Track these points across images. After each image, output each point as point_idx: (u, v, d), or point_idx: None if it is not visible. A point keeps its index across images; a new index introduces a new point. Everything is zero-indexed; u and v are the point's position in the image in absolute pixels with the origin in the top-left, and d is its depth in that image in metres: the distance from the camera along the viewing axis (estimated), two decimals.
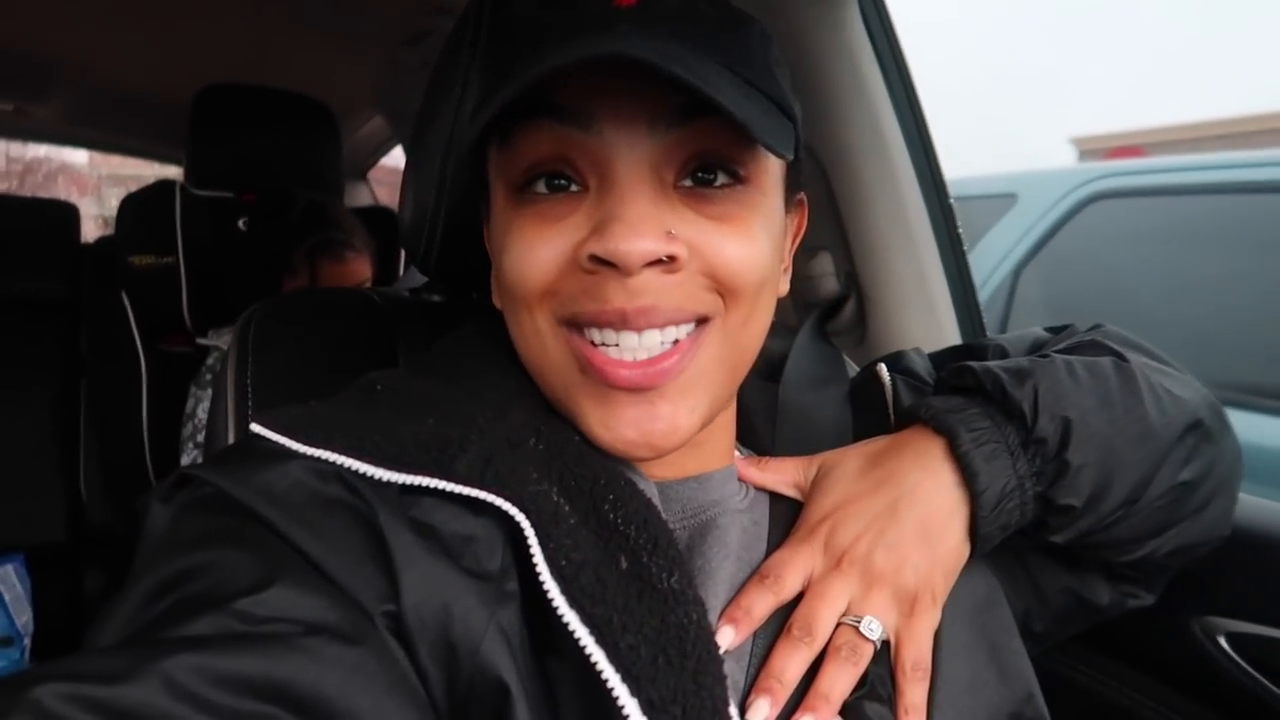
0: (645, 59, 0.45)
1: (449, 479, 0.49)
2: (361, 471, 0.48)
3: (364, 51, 1.95)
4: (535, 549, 0.46)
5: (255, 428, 0.51)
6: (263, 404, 0.70)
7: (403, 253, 1.83)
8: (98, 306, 1.67)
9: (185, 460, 1.55)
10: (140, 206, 1.70)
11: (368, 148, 2.50)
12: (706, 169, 0.53)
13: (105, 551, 1.81)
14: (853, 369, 0.83)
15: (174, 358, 1.69)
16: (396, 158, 2.58)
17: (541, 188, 0.53)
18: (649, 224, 0.50)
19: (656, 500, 0.56)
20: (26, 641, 1.47)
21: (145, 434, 1.59)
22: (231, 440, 0.68)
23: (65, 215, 1.89)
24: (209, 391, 1.59)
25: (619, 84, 0.51)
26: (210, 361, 1.62)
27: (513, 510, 0.48)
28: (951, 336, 1.09)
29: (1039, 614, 0.67)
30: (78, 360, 1.86)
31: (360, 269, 1.62)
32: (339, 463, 0.48)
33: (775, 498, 0.65)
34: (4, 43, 2.05)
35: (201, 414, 1.58)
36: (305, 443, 0.49)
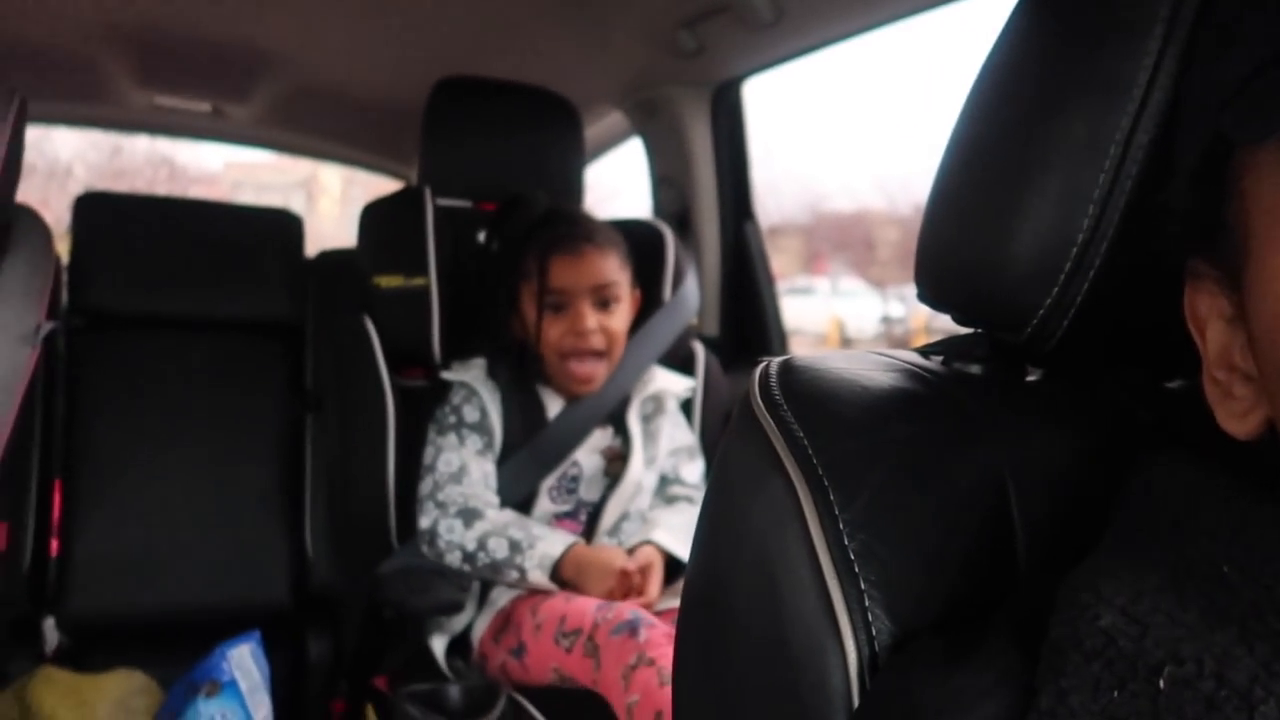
0: None
1: None
2: None
3: (616, 39, 1.69)
4: None
5: None
6: (879, 576, 0.41)
7: (669, 276, 1.55)
8: (334, 332, 1.44)
9: (424, 523, 1.29)
10: (386, 219, 1.46)
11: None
12: None
13: (330, 614, 1.59)
14: None
15: (412, 393, 1.44)
16: None
17: None
18: None
19: None
20: None
21: (391, 483, 1.34)
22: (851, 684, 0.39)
23: (290, 226, 1.68)
24: (450, 438, 1.34)
25: None
26: (455, 401, 1.37)
27: None
28: None
29: None
30: (303, 393, 1.65)
31: (601, 267, 1.34)
32: None
33: None
34: (203, 38, 1.88)
35: (443, 467, 1.32)
36: None
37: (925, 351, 0.61)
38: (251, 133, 2.48)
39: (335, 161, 2.72)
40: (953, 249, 0.55)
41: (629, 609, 1.13)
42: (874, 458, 0.45)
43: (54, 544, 1.54)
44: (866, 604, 0.40)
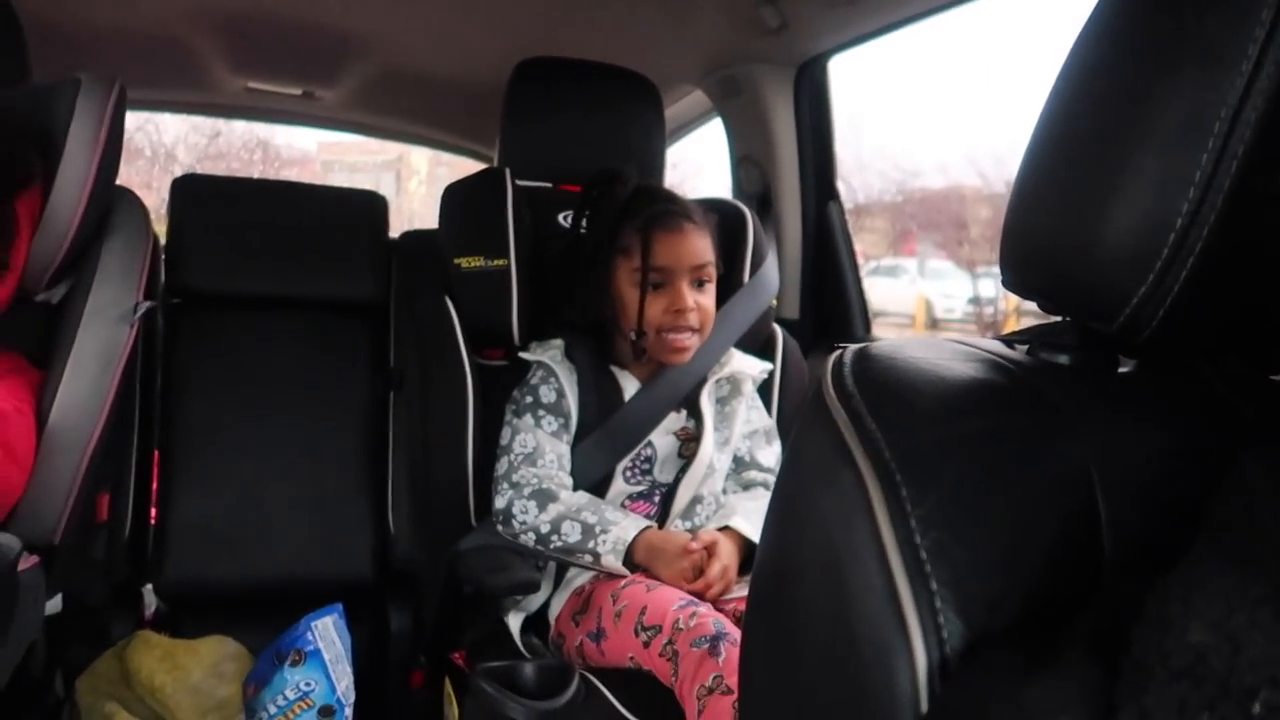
0: None
1: None
2: None
3: (697, 17, 1.67)
4: None
5: None
6: (951, 576, 0.39)
7: (749, 257, 1.53)
8: (416, 312, 1.46)
9: (499, 503, 1.31)
10: (466, 200, 1.47)
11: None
12: None
13: (411, 589, 1.62)
14: None
15: (492, 373, 1.46)
16: None
17: None
18: None
19: None
20: (348, 713, 1.27)
21: (470, 461, 1.35)
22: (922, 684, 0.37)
23: (375, 207, 1.71)
24: (527, 419, 1.35)
25: None
26: (533, 382, 1.38)
27: None
28: None
29: None
30: (387, 371, 1.68)
31: (700, 247, 1.34)
32: None
33: None
34: (294, 23, 1.92)
35: (518, 448, 1.33)
36: None
37: (1010, 340, 0.58)
38: (340, 116, 2.54)
39: (421, 144, 2.77)
40: (1041, 232, 0.52)
41: (712, 617, 1.11)
42: (949, 451, 0.43)
43: (153, 514, 1.61)
44: (937, 605, 0.39)
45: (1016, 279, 0.56)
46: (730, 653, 1.05)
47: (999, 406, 0.47)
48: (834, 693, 0.43)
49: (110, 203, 1.26)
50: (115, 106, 1.24)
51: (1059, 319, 0.56)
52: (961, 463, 0.43)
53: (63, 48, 1.72)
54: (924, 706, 0.38)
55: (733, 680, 1.01)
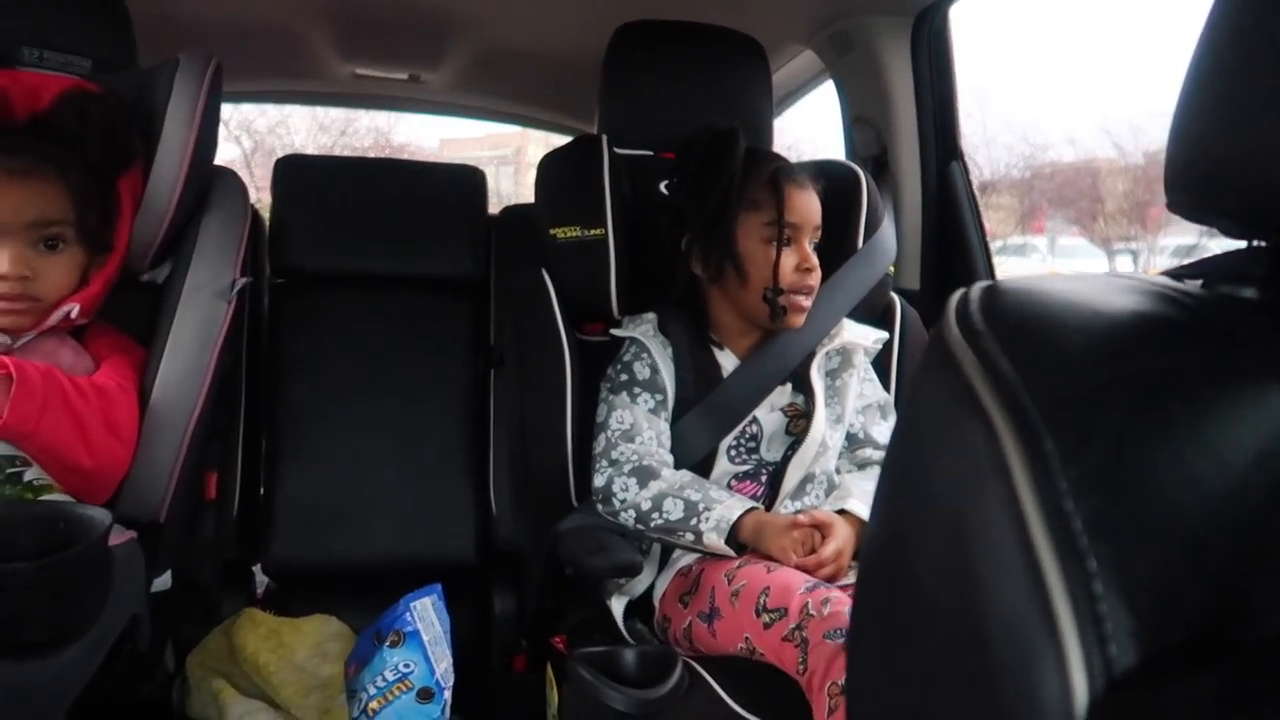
0: None
1: None
2: None
3: None
4: None
5: None
6: (1116, 557, 0.30)
7: (862, 221, 1.42)
8: (514, 287, 1.42)
9: (599, 481, 1.25)
10: (562, 170, 1.42)
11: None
12: None
13: (514, 570, 1.59)
14: None
15: (593, 348, 1.40)
16: None
17: None
18: None
19: None
20: (447, 695, 1.24)
21: (570, 439, 1.30)
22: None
23: (474, 182, 1.68)
24: (622, 396, 1.29)
25: None
26: (626, 358, 1.32)
27: None
28: None
29: None
30: (487, 349, 1.66)
31: (817, 208, 1.29)
32: None
33: None
34: (398, 5, 1.90)
35: (615, 424, 1.28)
36: None
37: (1179, 274, 0.48)
38: (445, 99, 2.53)
39: (527, 124, 2.74)
40: (1224, 136, 0.42)
41: (846, 605, 1.02)
42: (1110, 397, 0.34)
43: (262, 492, 1.63)
44: (1097, 590, 0.30)
45: (1190, 200, 0.45)
46: None
47: (1173, 343, 0.37)
48: (959, 690, 0.34)
49: (209, 181, 1.26)
50: (211, 84, 1.23)
51: (1244, 245, 0.45)
52: (1127, 411, 0.33)
53: (171, 37, 1.74)
54: None
55: None
